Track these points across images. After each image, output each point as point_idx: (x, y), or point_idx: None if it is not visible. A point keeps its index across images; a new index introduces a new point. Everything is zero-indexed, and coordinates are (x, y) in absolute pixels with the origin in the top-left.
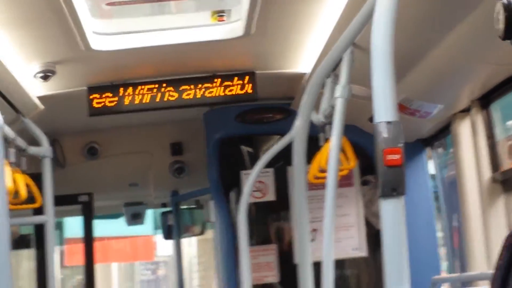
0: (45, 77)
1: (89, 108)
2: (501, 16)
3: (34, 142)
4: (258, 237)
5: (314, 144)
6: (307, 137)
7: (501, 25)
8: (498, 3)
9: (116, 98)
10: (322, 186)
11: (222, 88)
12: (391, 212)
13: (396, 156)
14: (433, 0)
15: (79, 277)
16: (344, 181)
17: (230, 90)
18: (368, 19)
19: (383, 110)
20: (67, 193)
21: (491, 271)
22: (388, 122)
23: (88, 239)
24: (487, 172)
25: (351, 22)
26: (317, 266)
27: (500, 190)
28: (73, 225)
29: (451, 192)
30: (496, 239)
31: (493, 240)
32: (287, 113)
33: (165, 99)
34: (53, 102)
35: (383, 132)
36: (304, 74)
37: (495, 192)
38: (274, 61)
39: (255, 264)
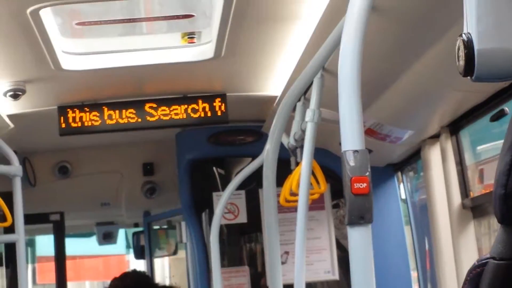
0: (15, 96)
1: (60, 127)
2: (461, 53)
3: (4, 160)
4: (230, 259)
5: (286, 166)
6: (276, 160)
7: (461, 62)
8: (458, 39)
9: (87, 118)
10: (294, 209)
11: (193, 109)
12: (358, 240)
13: (363, 185)
14: (402, 27)
15: None
16: (315, 204)
17: (201, 112)
18: (338, 44)
19: (350, 139)
20: (38, 211)
21: None
22: (355, 151)
23: (60, 257)
24: (457, 198)
25: (321, 47)
26: None
27: (470, 216)
28: (46, 243)
29: (422, 216)
30: (467, 265)
31: (463, 266)
32: (259, 136)
33: (136, 120)
34: (23, 121)
35: (350, 161)
36: (275, 97)
37: (465, 218)
38: (245, 83)
39: (228, 285)
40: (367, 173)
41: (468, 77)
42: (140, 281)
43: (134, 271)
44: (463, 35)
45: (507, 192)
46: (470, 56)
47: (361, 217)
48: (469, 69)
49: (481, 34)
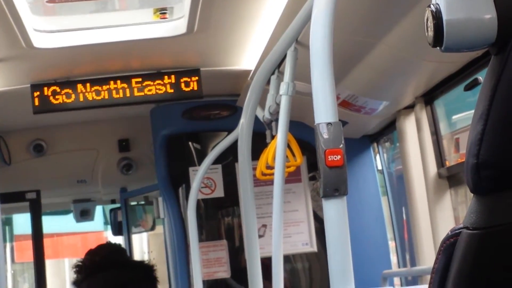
0: None
1: (33, 106)
2: (430, 24)
3: None
4: (208, 233)
5: (261, 140)
6: (251, 134)
7: (430, 33)
8: (427, 10)
9: (60, 96)
10: (271, 182)
11: (168, 85)
12: (334, 212)
13: (337, 157)
14: None
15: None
16: (292, 177)
17: (176, 87)
18: (310, 16)
19: (323, 111)
20: (13, 190)
21: None
22: (329, 123)
23: (37, 235)
24: (433, 168)
25: (293, 19)
26: (269, 261)
27: (446, 185)
28: (23, 222)
29: (399, 186)
30: (444, 234)
31: (440, 235)
32: (234, 110)
33: (110, 96)
34: None
35: (324, 133)
36: (249, 71)
37: (442, 187)
38: (219, 58)
39: (206, 260)
40: (341, 145)
41: (438, 48)
42: (110, 258)
43: (109, 244)
44: (431, 5)
45: (479, 162)
46: (439, 27)
47: (336, 189)
48: (438, 39)
49: (449, 4)
